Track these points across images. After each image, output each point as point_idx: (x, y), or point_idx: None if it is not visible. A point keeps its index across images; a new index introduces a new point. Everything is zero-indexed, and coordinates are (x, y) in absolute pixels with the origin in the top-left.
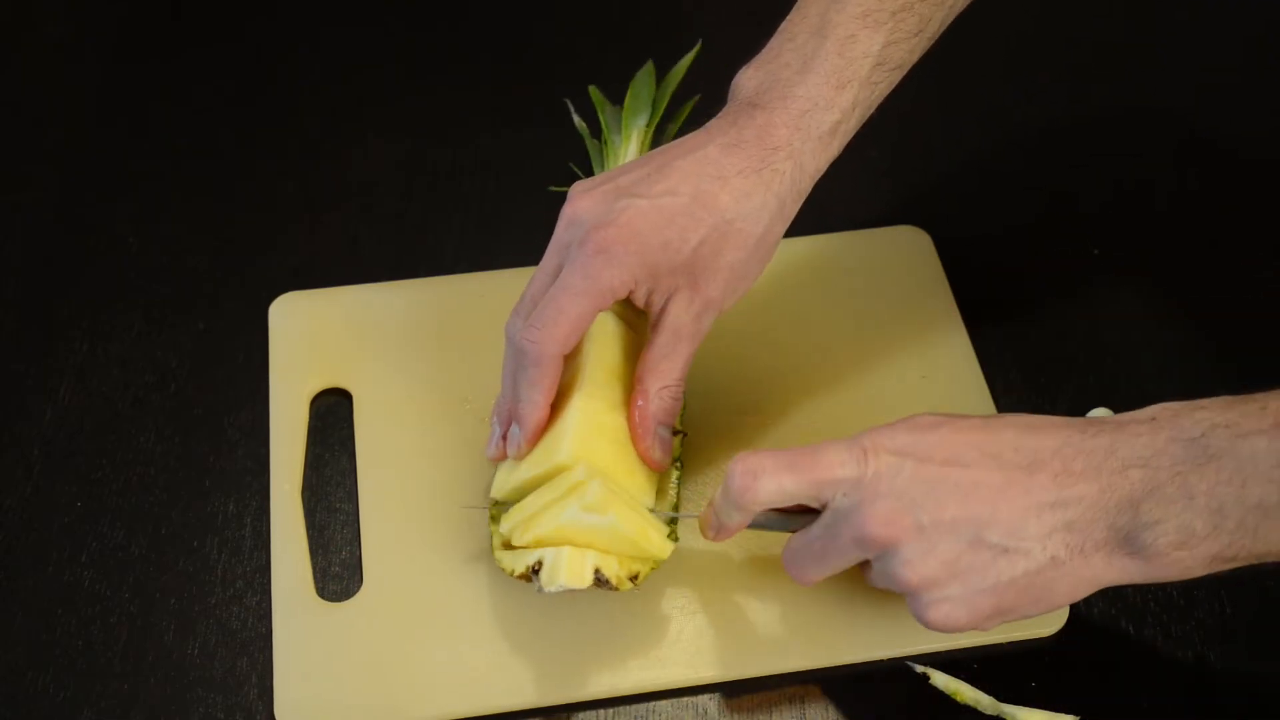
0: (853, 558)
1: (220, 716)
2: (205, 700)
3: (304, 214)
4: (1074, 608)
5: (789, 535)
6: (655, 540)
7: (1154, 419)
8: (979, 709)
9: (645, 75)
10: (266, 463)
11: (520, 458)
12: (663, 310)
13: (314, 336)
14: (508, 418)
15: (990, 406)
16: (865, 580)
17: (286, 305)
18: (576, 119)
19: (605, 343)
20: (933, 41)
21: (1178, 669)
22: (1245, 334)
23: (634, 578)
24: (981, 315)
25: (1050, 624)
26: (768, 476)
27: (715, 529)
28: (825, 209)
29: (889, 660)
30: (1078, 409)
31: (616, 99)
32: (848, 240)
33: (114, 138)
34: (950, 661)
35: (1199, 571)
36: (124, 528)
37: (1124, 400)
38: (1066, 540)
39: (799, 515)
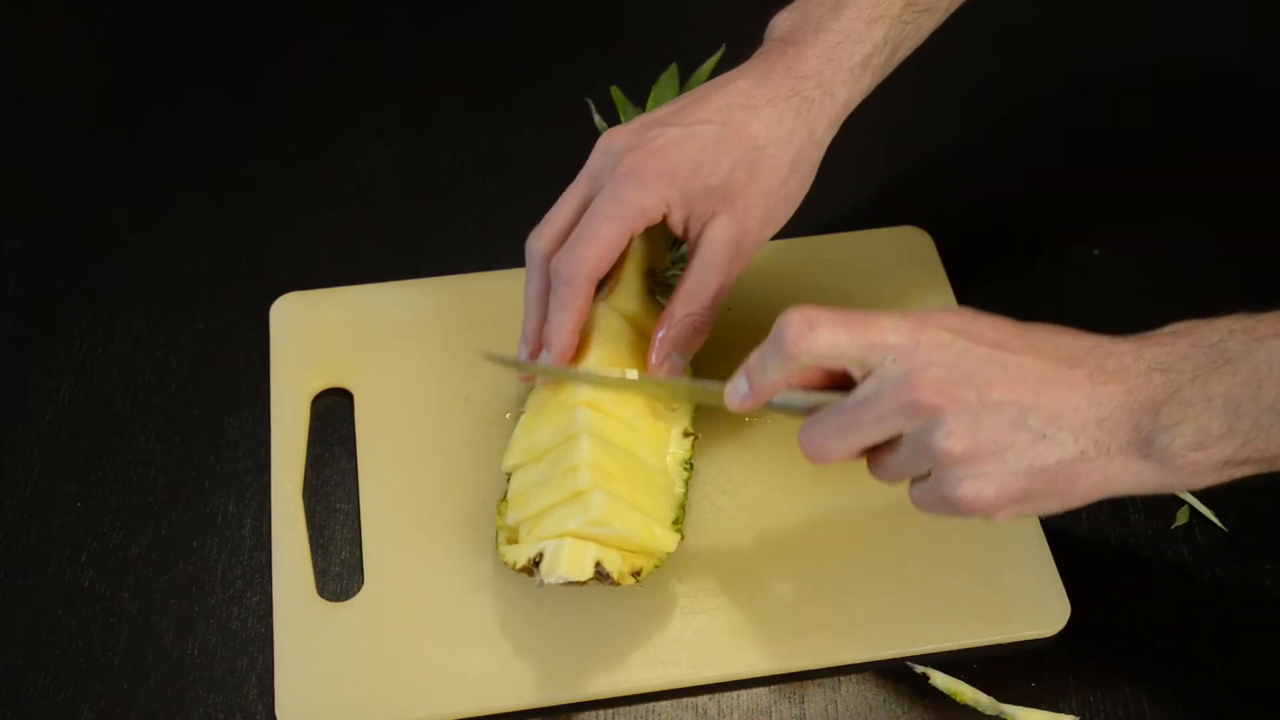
0: (890, 427)
1: (220, 716)
2: (205, 700)
3: (304, 214)
4: (1074, 609)
5: (803, 431)
6: (660, 536)
7: (1174, 331)
8: (979, 709)
9: (669, 78)
10: (266, 463)
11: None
12: (699, 235)
13: (315, 336)
14: (534, 342)
15: None
16: (874, 472)
17: (287, 305)
18: (597, 118)
19: (612, 341)
20: None
21: (1178, 669)
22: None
23: (636, 573)
24: None
25: (1050, 624)
26: (824, 327)
27: (745, 391)
28: (827, 209)
29: (889, 660)
30: None
31: (598, 103)
32: (849, 240)
33: (114, 138)
34: (950, 661)
35: (1209, 477)
36: (124, 528)
37: None
38: (1096, 437)
39: (823, 395)
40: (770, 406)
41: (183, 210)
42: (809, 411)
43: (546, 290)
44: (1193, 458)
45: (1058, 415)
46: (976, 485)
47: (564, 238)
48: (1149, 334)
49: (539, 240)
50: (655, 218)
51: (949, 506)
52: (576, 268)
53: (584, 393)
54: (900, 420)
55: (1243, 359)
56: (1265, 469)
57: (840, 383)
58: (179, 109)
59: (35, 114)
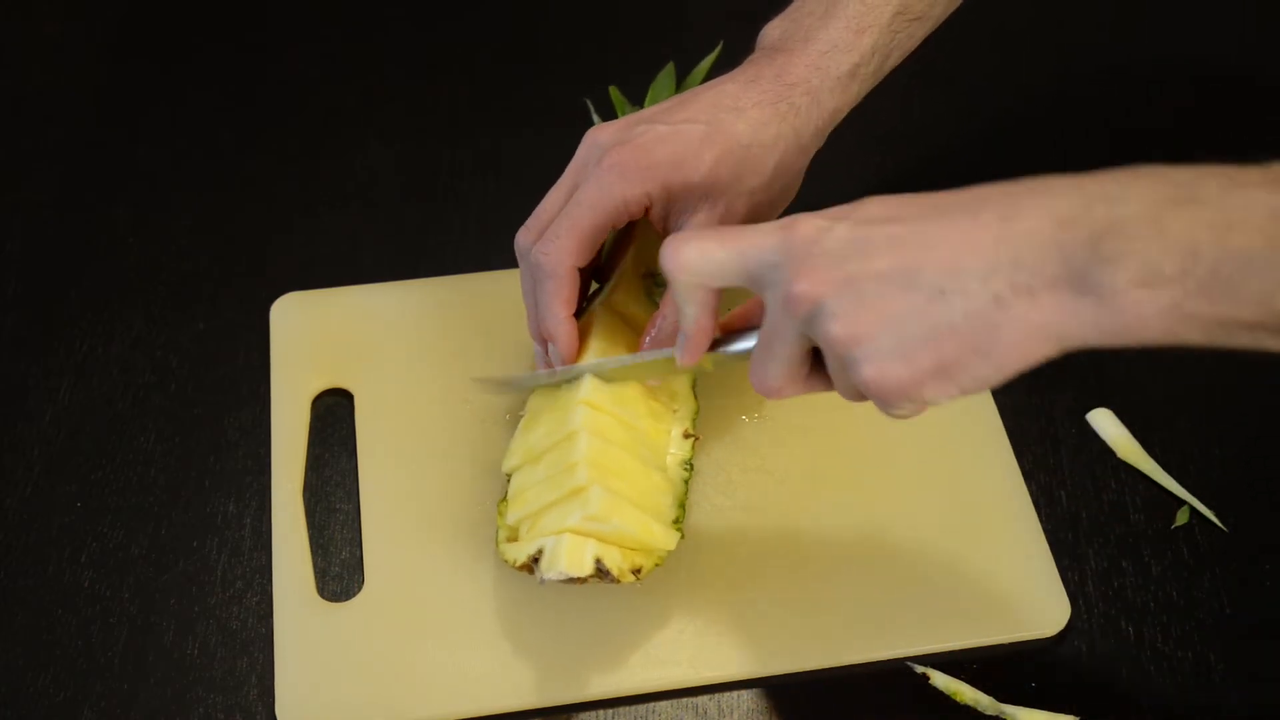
0: (788, 332)
1: (220, 716)
2: (205, 700)
3: (304, 214)
4: (1074, 609)
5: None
6: (659, 534)
7: (1135, 169)
8: (979, 709)
9: (665, 77)
10: (266, 463)
11: (567, 364)
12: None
13: (315, 337)
14: (537, 334)
15: (991, 405)
16: (839, 392)
17: (288, 305)
18: (596, 119)
19: (610, 341)
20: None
21: (1178, 669)
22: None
23: (636, 571)
24: None
25: (1050, 624)
26: (692, 242)
27: (681, 339)
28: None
29: (889, 660)
30: (1078, 409)
31: (596, 103)
32: None
33: (114, 137)
34: (950, 662)
35: (1153, 325)
36: (124, 528)
37: (1124, 400)
38: (1011, 278)
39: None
40: (724, 356)
41: (183, 210)
42: None
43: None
44: (1136, 295)
45: (955, 265)
46: (878, 364)
47: None
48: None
49: (527, 235)
50: (636, 211)
51: (872, 395)
52: (555, 258)
53: (583, 393)
54: (794, 323)
55: (1213, 201)
56: (1214, 337)
57: None
58: (179, 109)
59: (35, 114)
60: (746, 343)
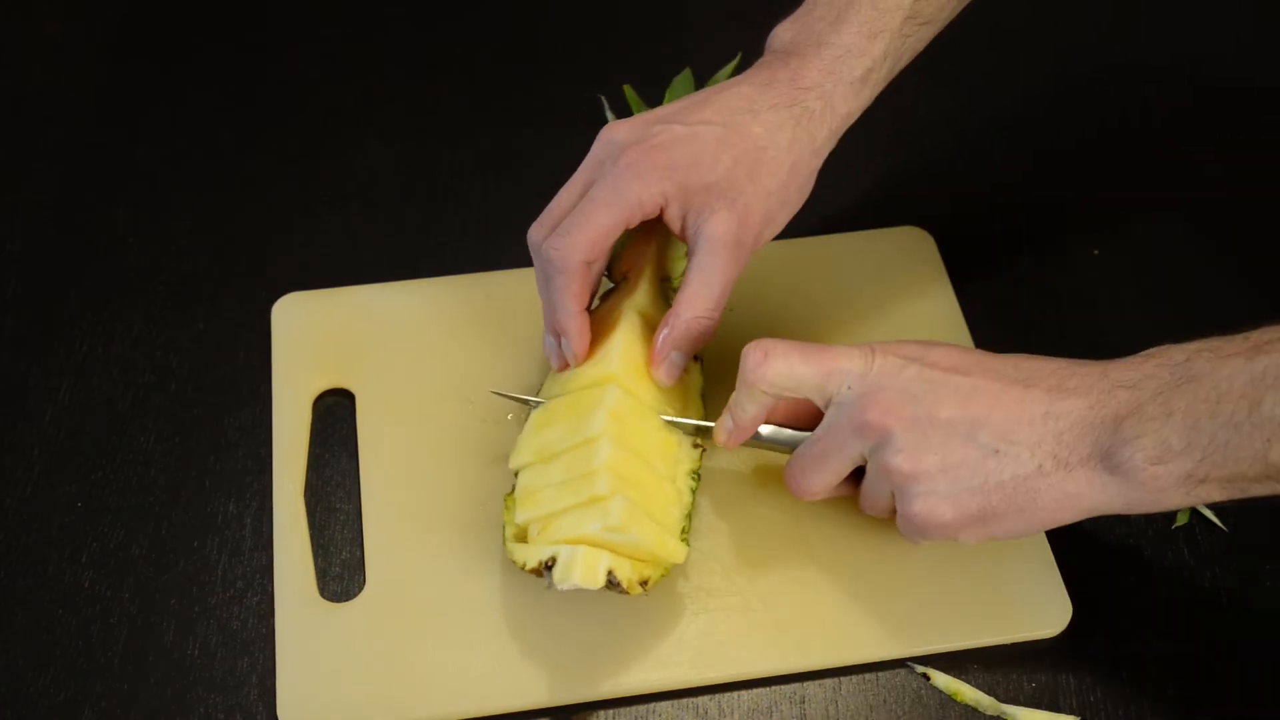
0: (850, 452)
1: (221, 717)
2: (205, 700)
3: (304, 214)
4: (1075, 609)
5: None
6: (672, 547)
7: (1146, 353)
8: (979, 709)
9: (683, 83)
10: (267, 463)
11: (579, 363)
12: (698, 232)
13: (317, 337)
14: (552, 328)
15: None
16: (861, 507)
17: (289, 305)
18: (610, 116)
19: (634, 340)
20: (965, 2)
21: (1178, 669)
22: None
23: (644, 582)
24: (983, 315)
25: (1052, 624)
26: (779, 357)
27: (730, 427)
28: (827, 210)
29: (889, 660)
30: None
31: (618, 98)
32: (850, 241)
33: (114, 138)
34: (951, 662)
35: (1174, 496)
36: (124, 528)
37: None
38: (1055, 451)
39: (805, 434)
40: (759, 444)
41: (183, 210)
42: (795, 448)
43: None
44: (1153, 471)
45: (1011, 431)
46: (930, 503)
47: None
48: (1120, 359)
49: (540, 231)
50: (651, 211)
51: (912, 527)
52: (566, 253)
53: (608, 400)
54: (857, 443)
55: (1205, 376)
56: (1231, 492)
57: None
58: (179, 109)
59: (35, 114)
60: (781, 438)
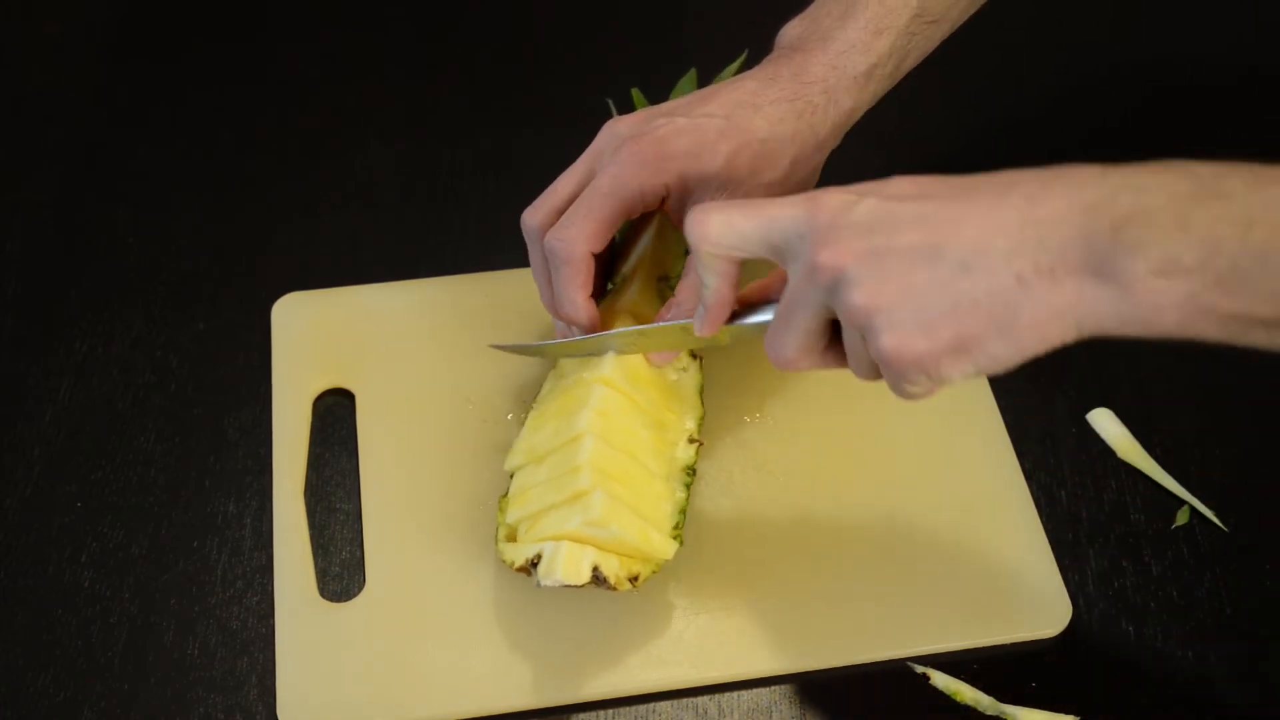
0: (810, 302)
1: (220, 717)
2: (205, 700)
3: (304, 214)
4: (1075, 609)
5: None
6: (658, 543)
7: (1164, 163)
8: (979, 709)
9: (687, 83)
10: (266, 463)
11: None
12: None
13: (317, 337)
14: (552, 309)
15: (992, 405)
16: (854, 373)
17: (289, 305)
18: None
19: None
20: (975, 3)
21: (1178, 669)
22: None
23: (634, 579)
24: None
25: (1051, 624)
26: (716, 212)
27: (701, 311)
28: None
29: (889, 660)
30: (1078, 409)
31: (621, 99)
32: None
33: (114, 137)
34: (950, 662)
35: (1168, 316)
36: (124, 528)
37: (1124, 400)
38: (1036, 259)
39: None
40: (741, 328)
41: (183, 210)
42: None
43: (546, 261)
44: (1155, 284)
45: (981, 243)
46: (898, 335)
47: (559, 214)
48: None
49: (535, 215)
50: (652, 202)
51: (891, 371)
52: (571, 245)
53: (593, 400)
54: (815, 292)
55: (1238, 197)
56: (1229, 332)
57: None
58: (179, 109)
59: (35, 114)
60: (764, 315)
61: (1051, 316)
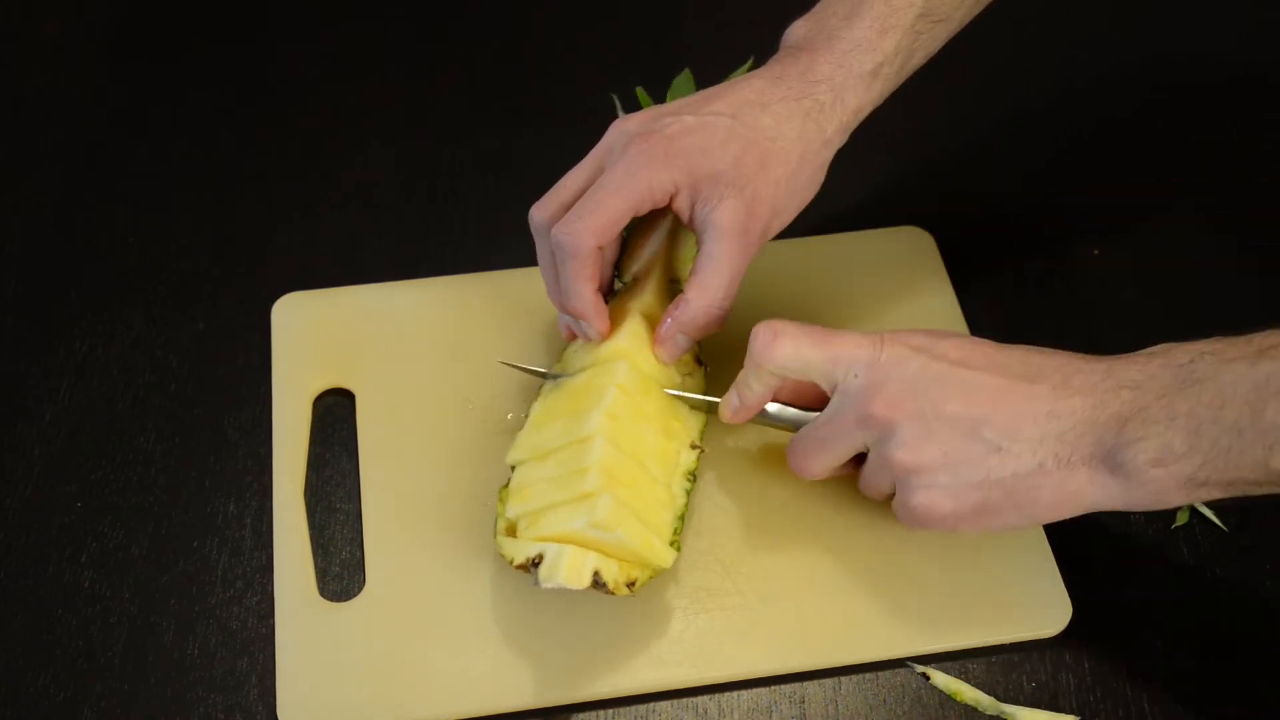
0: (853, 440)
1: (220, 716)
2: (205, 700)
3: (304, 214)
4: (1075, 608)
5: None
6: (658, 550)
7: (1149, 352)
8: (979, 709)
9: (684, 81)
10: (267, 463)
11: (603, 340)
12: (706, 220)
13: (317, 336)
14: (559, 303)
15: None
16: (860, 488)
17: (289, 305)
18: (622, 114)
19: (638, 343)
20: (980, 3)
21: (1178, 669)
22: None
23: (631, 584)
24: (984, 315)
25: (1051, 624)
26: (788, 339)
27: (735, 404)
28: (828, 210)
29: (889, 660)
30: None
31: (621, 99)
32: (851, 241)
33: (114, 137)
34: (950, 662)
35: (1174, 496)
36: (124, 528)
37: None
38: (1056, 450)
39: (810, 414)
40: (764, 421)
41: (183, 210)
42: (800, 428)
43: (553, 256)
44: (1155, 473)
45: (1014, 427)
46: (931, 496)
47: (567, 210)
48: (1124, 355)
49: (543, 211)
50: (661, 199)
51: (912, 518)
52: (578, 239)
53: (605, 402)
54: (860, 433)
55: (1209, 380)
56: (1232, 492)
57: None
58: (179, 109)
59: (35, 114)
60: (785, 416)
61: (1065, 498)
